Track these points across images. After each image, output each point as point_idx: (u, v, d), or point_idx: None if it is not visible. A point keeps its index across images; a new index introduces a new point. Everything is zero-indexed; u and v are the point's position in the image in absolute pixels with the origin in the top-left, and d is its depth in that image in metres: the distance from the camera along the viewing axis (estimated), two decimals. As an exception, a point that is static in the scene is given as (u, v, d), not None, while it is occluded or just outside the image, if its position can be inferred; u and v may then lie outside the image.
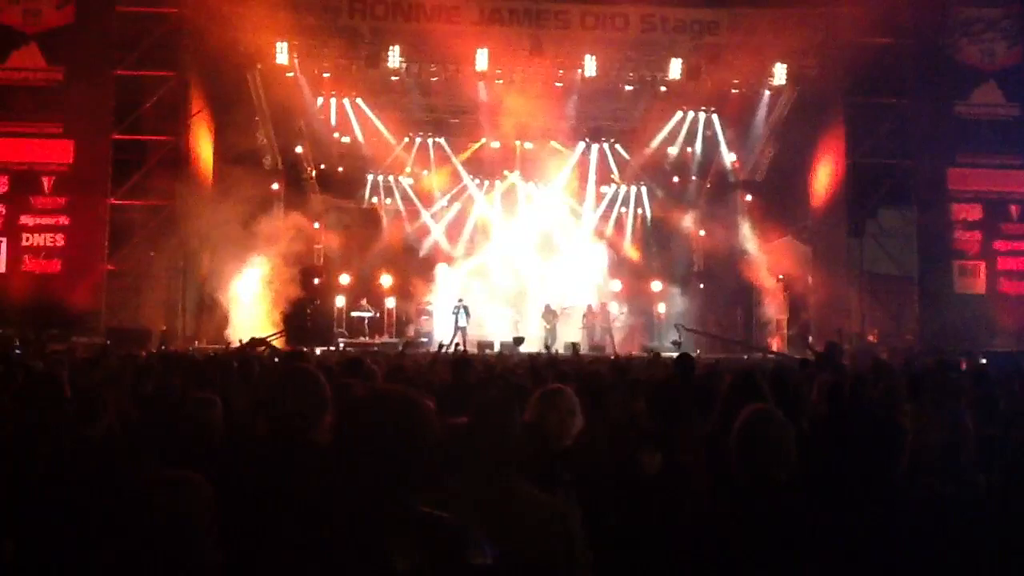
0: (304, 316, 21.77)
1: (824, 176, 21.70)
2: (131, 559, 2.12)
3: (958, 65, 20.99)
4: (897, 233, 20.90)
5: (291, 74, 20.10)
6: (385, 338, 22.53)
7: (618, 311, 23.67)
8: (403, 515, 2.09)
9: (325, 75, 20.62)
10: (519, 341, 20.95)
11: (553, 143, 23.39)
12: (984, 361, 14.49)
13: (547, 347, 19.81)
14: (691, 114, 22.66)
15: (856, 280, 20.54)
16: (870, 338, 19.73)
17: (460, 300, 22.06)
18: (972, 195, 21.54)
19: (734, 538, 2.94)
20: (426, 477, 2.16)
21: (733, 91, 21.60)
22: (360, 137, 22.82)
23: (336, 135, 22.94)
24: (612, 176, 24.42)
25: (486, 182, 24.55)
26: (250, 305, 20.79)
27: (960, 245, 21.56)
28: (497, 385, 5.87)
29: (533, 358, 11.84)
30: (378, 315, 23.51)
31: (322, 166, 23.52)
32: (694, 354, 9.82)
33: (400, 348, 16.80)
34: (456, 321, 21.30)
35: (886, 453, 4.06)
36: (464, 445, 2.83)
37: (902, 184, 20.61)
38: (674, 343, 20.02)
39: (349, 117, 22.18)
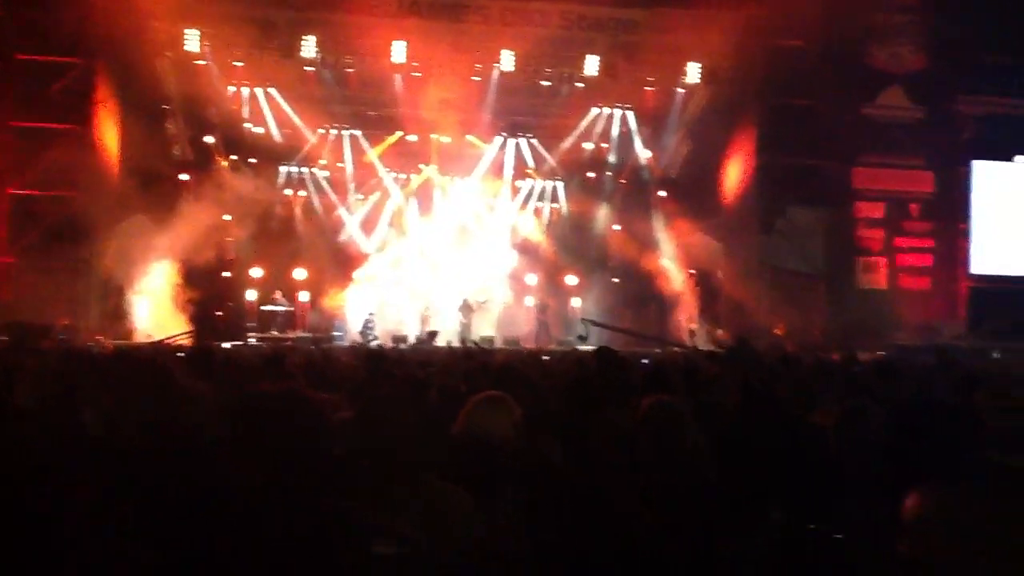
0: (213, 311, 21.27)
1: (736, 174, 22.22)
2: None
3: (866, 69, 21.73)
4: (805, 230, 21.57)
5: (202, 62, 19.58)
6: (299, 333, 22.16)
7: (533, 305, 23.78)
8: (304, 509, 2.06)
9: (237, 64, 20.15)
10: (433, 335, 20.91)
11: (470, 137, 23.34)
12: (882, 354, 15.03)
13: (463, 341, 19.83)
14: (607, 111, 22.91)
15: (765, 276, 21.08)
16: (777, 332, 20.27)
17: (371, 315, 21.95)
18: (876, 194, 22.36)
19: (643, 528, 2.96)
20: (323, 472, 2.14)
21: (649, 89, 21.93)
22: (273, 128, 22.38)
23: (248, 126, 22.44)
24: (528, 171, 24.49)
25: (402, 175, 24.34)
26: (157, 299, 20.22)
27: (864, 242, 22.36)
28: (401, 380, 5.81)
29: (454, 354, 11.81)
30: (291, 309, 23.12)
31: (234, 157, 22.97)
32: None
33: (314, 344, 16.59)
34: (365, 335, 21.20)
35: (792, 449, 4.17)
36: (363, 440, 2.79)
37: (810, 183, 21.26)
38: (579, 337, 20.22)
39: (262, 108, 21.74)
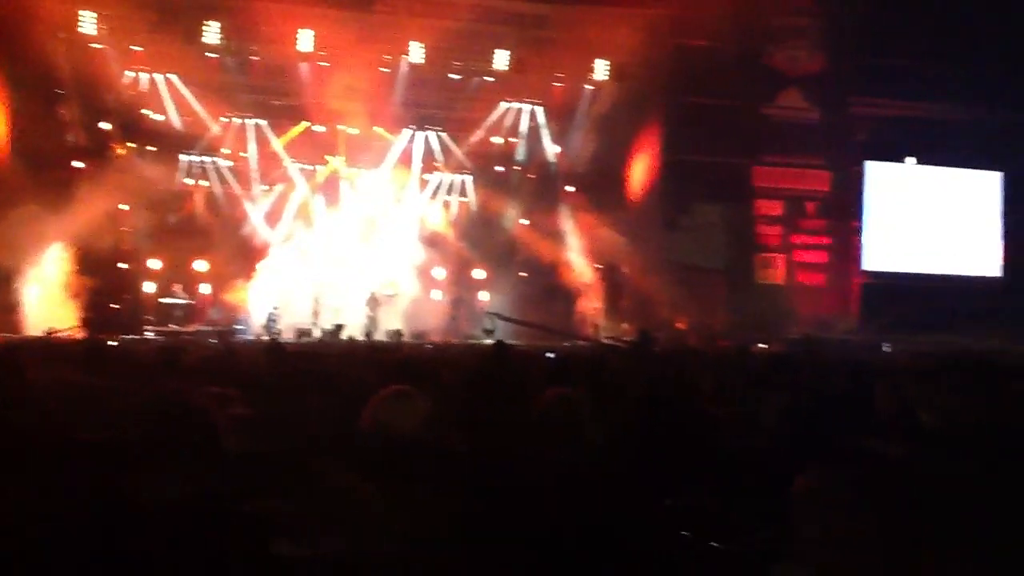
0: (109, 303, 20.55)
1: (641, 170, 22.60)
2: None
3: (766, 70, 22.37)
4: (707, 227, 22.11)
5: (99, 45, 18.85)
6: (199, 326, 21.58)
7: (441, 299, 23.71)
8: (199, 510, 2.00)
9: (136, 48, 19.47)
10: (340, 328, 20.65)
11: (378, 129, 23.08)
12: (765, 346, 15.48)
13: (369, 335, 19.65)
14: (516, 105, 22.97)
15: (669, 271, 21.50)
16: (680, 326, 20.71)
17: (275, 308, 21.53)
18: (775, 192, 23.07)
19: (543, 519, 2.97)
20: (218, 472, 2.09)
21: (557, 84, 22.09)
22: (174, 116, 21.70)
23: (148, 112, 21.71)
24: (437, 164, 24.37)
25: (308, 166, 23.90)
26: (50, 291, 19.44)
27: (763, 239, 23.04)
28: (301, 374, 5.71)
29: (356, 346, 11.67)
30: (192, 302, 22.49)
31: (132, 144, 22.20)
32: (511, 342, 9.97)
33: (215, 338, 16.19)
34: (268, 328, 20.78)
35: (690, 439, 4.25)
36: (263, 436, 2.73)
37: (713, 180, 21.80)
38: (485, 331, 20.28)
39: (162, 94, 21.06)
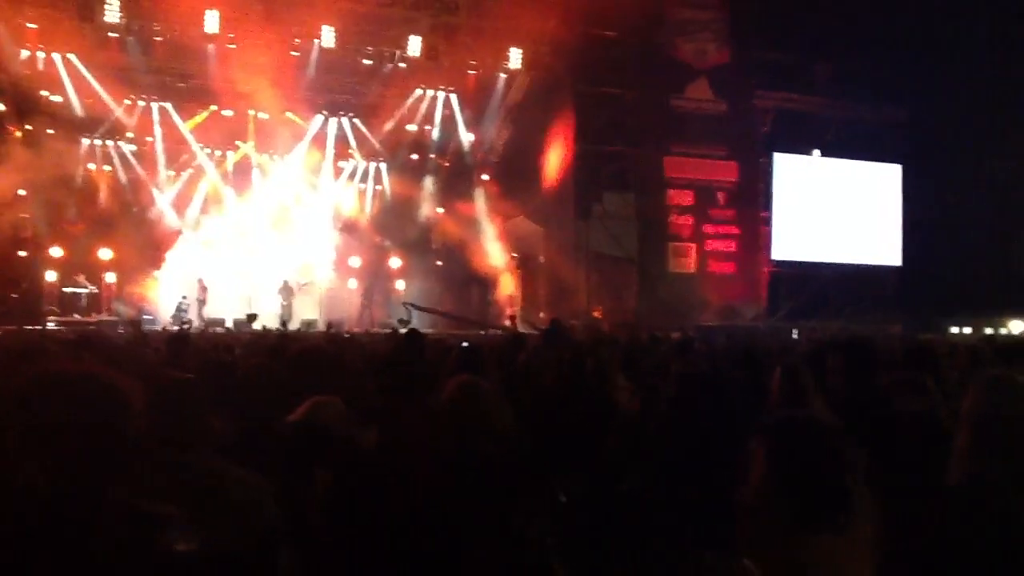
0: (7, 292, 19.73)
1: (555, 159, 22.72)
2: None
3: (674, 62, 22.71)
4: (620, 216, 22.36)
5: (-10, 22, 18.02)
6: (103, 316, 20.88)
7: (356, 287, 23.45)
8: (103, 505, 1.93)
9: (30, 25, 18.64)
10: (252, 318, 20.22)
11: (289, 114, 22.64)
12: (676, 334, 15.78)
13: (283, 323, 19.30)
14: (430, 92, 22.82)
15: (583, 260, 21.69)
16: (595, 314, 20.93)
17: (184, 298, 20.99)
18: (685, 182, 23.45)
19: (448, 513, 2.96)
20: (122, 464, 2.01)
21: (471, 72, 22.03)
22: (73, 97, 20.88)
23: (45, 93, 20.83)
24: (350, 151, 24.06)
25: (217, 152, 23.31)
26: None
27: (674, 228, 23.42)
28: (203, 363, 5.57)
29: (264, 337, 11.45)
30: (96, 291, 21.75)
31: (28, 127, 21.27)
32: (425, 331, 9.92)
33: (121, 328, 15.70)
34: (178, 318, 20.22)
35: (598, 425, 4.30)
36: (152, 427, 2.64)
37: (624, 170, 22.06)
38: (401, 321, 20.17)
39: (60, 74, 20.24)
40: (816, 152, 24.34)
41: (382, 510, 3.30)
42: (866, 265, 24.55)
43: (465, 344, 8.12)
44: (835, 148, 24.17)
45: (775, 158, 23.96)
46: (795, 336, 17.53)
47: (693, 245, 23.70)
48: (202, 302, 21.24)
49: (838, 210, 24.35)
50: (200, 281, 21.45)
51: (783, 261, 23.95)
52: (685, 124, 22.80)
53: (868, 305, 21.86)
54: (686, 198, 23.59)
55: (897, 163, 25.02)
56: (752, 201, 24.18)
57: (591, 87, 21.17)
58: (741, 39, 22.79)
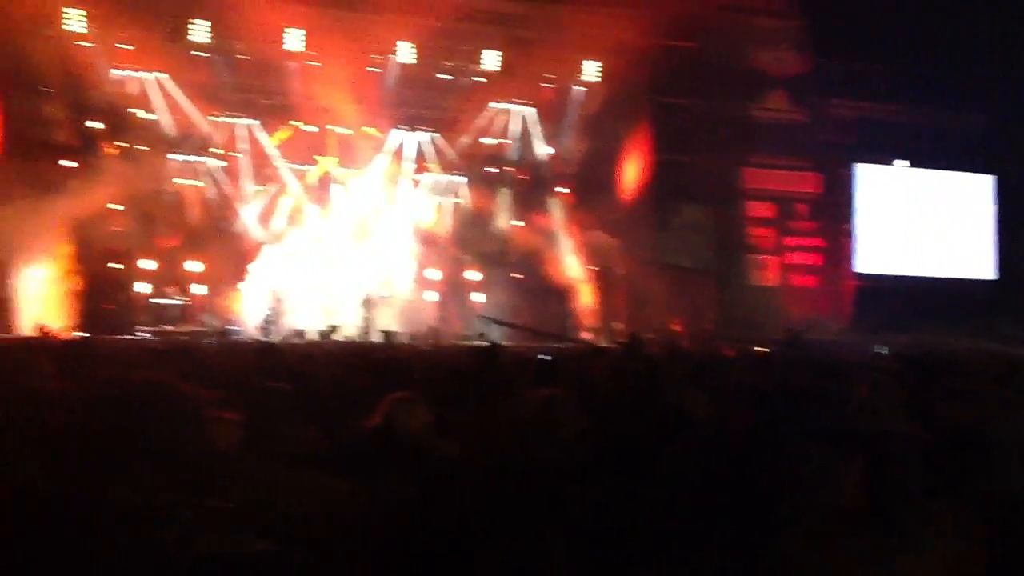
0: (101, 304, 20.51)
1: (632, 171, 22.63)
2: None
3: (752, 71, 22.42)
4: (697, 228, 22.14)
5: (86, 44, 18.79)
6: (192, 327, 21.53)
7: (435, 300, 23.69)
8: (173, 504, 1.99)
9: (124, 47, 19.40)
10: (333, 329, 20.63)
11: (368, 129, 23.05)
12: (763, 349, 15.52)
13: (364, 336, 19.62)
14: (507, 106, 22.98)
15: (661, 272, 21.53)
16: (673, 327, 20.74)
17: (269, 309, 21.48)
18: (765, 194, 23.12)
19: (526, 520, 2.98)
20: (192, 465, 2.07)
21: (547, 85, 22.12)
22: (163, 114, 21.65)
23: (137, 111, 21.65)
24: (428, 165, 24.35)
25: (299, 167, 23.87)
26: (41, 291, 19.39)
27: (754, 240, 23.07)
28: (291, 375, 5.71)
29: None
30: (185, 303, 22.44)
31: (122, 144, 22.13)
32: (504, 344, 9.97)
33: (209, 339, 16.17)
34: (264, 330, 20.72)
35: (667, 437, 4.26)
36: (244, 437, 2.73)
37: (703, 181, 21.83)
38: (479, 335, 20.27)
39: (151, 93, 21.01)
40: (902, 163, 23.74)
41: (460, 520, 3.33)
42: (956, 278, 23.82)
43: (543, 357, 8.15)
44: (919, 157, 23.55)
45: (857, 169, 23.45)
46: (880, 350, 17.08)
47: (773, 258, 23.33)
48: (278, 314, 21.69)
49: (926, 221, 23.69)
50: (275, 294, 21.92)
51: (868, 274, 23.39)
52: (764, 135, 22.48)
53: (958, 318, 21.18)
54: (766, 210, 23.25)
55: (986, 172, 24.24)
56: (835, 213, 23.70)
57: (668, 98, 21.06)
58: (820, 47, 22.39)
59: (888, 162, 23.62)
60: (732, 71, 21.73)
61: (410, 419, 3.98)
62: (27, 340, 14.04)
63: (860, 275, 23.46)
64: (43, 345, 9.97)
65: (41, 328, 14.95)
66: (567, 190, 24.34)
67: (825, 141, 23.03)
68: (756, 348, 14.40)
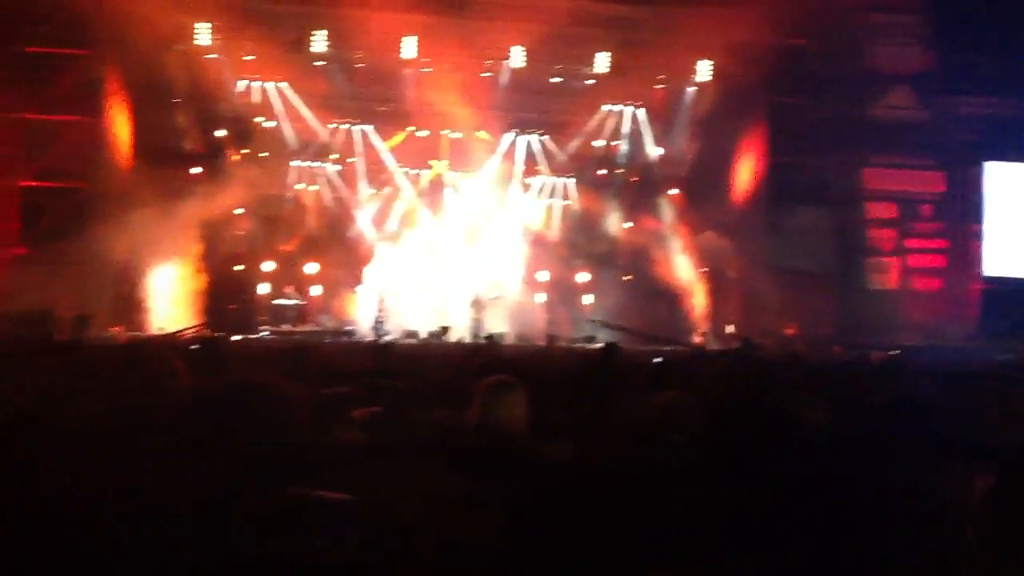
0: (226, 304, 21.37)
1: (746, 172, 22.19)
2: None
3: (873, 69, 21.65)
4: (815, 230, 21.52)
5: (212, 56, 19.64)
6: (310, 326, 22.23)
7: (544, 302, 23.77)
8: (275, 498, 2.08)
9: (247, 58, 20.20)
10: (445, 330, 20.93)
11: (480, 133, 23.34)
12: (896, 352, 14.97)
13: (474, 337, 19.84)
14: (617, 108, 22.90)
15: (775, 275, 21.04)
16: (788, 331, 20.24)
17: (382, 310, 21.93)
18: (886, 194, 22.30)
19: (645, 523, 2.98)
20: (290, 460, 2.17)
21: (659, 86, 21.92)
22: (284, 122, 22.43)
23: (259, 119, 22.51)
24: (539, 167, 24.48)
25: (413, 171, 24.36)
26: (170, 292, 20.33)
27: (875, 243, 22.29)
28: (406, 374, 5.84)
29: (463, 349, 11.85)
30: (303, 303, 23.19)
31: (245, 151, 23.04)
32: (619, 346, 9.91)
33: (326, 338, 16.65)
34: (376, 330, 21.15)
35: (789, 444, 4.17)
36: (377, 431, 2.82)
37: (820, 182, 21.22)
38: (587, 338, 20.24)
39: (273, 102, 21.80)
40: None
41: (573, 525, 3.35)
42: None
43: (657, 360, 8.10)
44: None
45: (986, 167, 22.38)
46: (1010, 358, 16.23)
47: (895, 260, 22.49)
48: (390, 315, 22.07)
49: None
50: (387, 295, 22.35)
51: (997, 277, 22.30)
52: (885, 133, 21.67)
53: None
54: (887, 211, 22.42)
55: None
56: (961, 213, 22.67)
57: (784, 97, 20.55)
58: (944, 42, 21.46)
59: (1020, 160, 22.45)
60: (851, 68, 21.06)
61: (507, 405, 3.97)
62: (159, 339, 14.74)
63: (988, 278, 22.37)
64: (174, 345, 10.46)
65: (179, 329, 15.65)
66: (678, 191, 24.08)
67: (951, 139, 22.04)
68: (875, 354, 13.95)
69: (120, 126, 19.69)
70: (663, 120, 23.22)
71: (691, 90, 21.85)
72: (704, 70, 20.87)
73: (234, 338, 16.25)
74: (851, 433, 4.13)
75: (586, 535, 3.20)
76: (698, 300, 23.17)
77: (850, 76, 21.02)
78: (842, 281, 21.66)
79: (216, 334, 14.78)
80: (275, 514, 2.08)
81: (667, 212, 24.15)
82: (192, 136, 21.96)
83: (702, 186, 23.17)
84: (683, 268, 23.31)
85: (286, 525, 2.07)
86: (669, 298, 23.75)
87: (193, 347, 8.06)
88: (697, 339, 21.44)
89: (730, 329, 21.16)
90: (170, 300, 20.26)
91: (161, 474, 2.26)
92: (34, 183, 17.92)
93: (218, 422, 2.23)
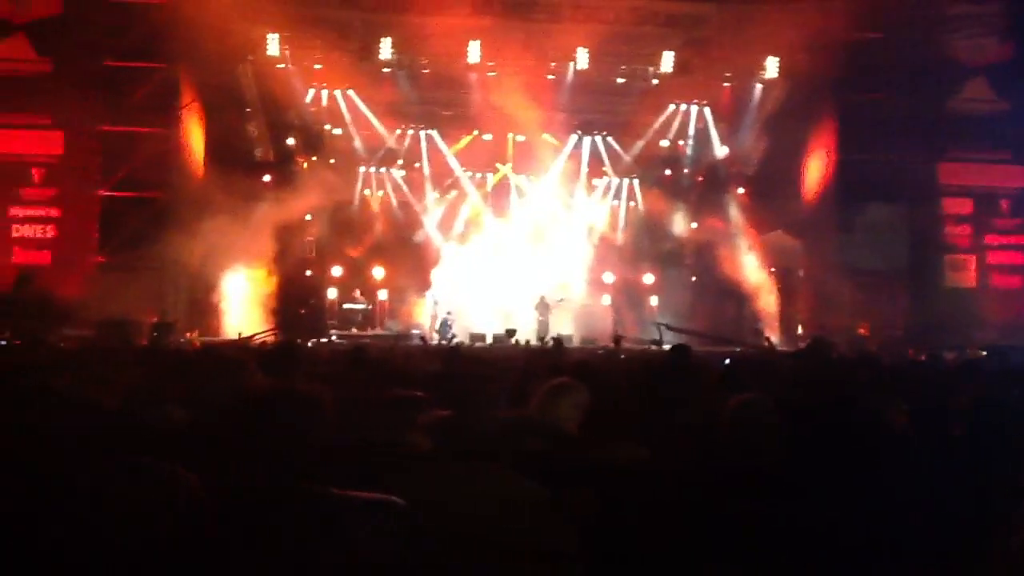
0: (296, 309, 21.75)
1: (815, 170, 21.78)
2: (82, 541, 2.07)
3: (948, 60, 21.04)
4: (887, 227, 20.99)
5: (282, 65, 20.02)
6: (377, 330, 22.50)
7: (610, 303, 23.69)
8: (317, 500, 2.12)
9: (316, 67, 20.54)
10: (511, 333, 20.95)
11: (545, 136, 23.37)
12: (984, 353, 14.51)
13: (540, 339, 19.83)
14: (683, 107, 22.71)
15: (846, 274, 20.61)
16: (860, 331, 19.81)
17: (449, 313, 22.04)
18: (963, 190, 21.64)
19: (720, 528, 2.95)
20: (318, 465, 2.22)
21: (725, 84, 21.66)
22: (352, 129, 22.77)
23: (328, 127, 22.88)
24: (604, 169, 24.42)
25: (478, 174, 24.51)
26: (242, 297, 20.77)
27: (951, 239, 21.67)
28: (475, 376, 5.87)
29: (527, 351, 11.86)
30: (370, 307, 23.48)
31: (314, 158, 23.44)
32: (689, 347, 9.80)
33: (393, 342, 16.80)
34: (443, 333, 21.27)
35: (869, 449, 4.09)
36: (445, 435, 2.85)
37: (892, 178, 20.67)
38: (654, 343, 20.08)
39: (341, 109, 22.13)
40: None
41: (649, 528, 3.33)
42: None
43: (728, 361, 8.01)
44: None
45: (1067, 159, 21.58)
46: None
47: (972, 257, 21.82)
48: (457, 318, 22.15)
49: None
50: (453, 298, 22.47)
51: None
52: (962, 127, 21.02)
53: None
54: (964, 206, 21.75)
55: None
56: (1045, 209, 21.89)
57: (854, 92, 20.07)
58: (1022, 32, 20.76)
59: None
60: (926, 61, 20.50)
61: (563, 406, 3.98)
62: (232, 344, 15.06)
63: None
64: (249, 349, 10.68)
65: (242, 334, 15.97)
66: (745, 190, 23.77)
67: (1028, 131, 21.31)
68: (949, 354, 13.58)
69: (194, 136, 20.18)
70: (730, 118, 22.97)
71: (758, 87, 21.52)
72: (772, 66, 20.53)
73: (303, 342, 16.48)
74: (933, 437, 4.03)
75: (663, 539, 3.18)
76: (766, 300, 22.84)
77: (925, 69, 20.46)
78: (916, 279, 21.09)
79: (288, 339, 15.03)
80: (317, 515, 2.12)
81: (734, 212, 23.87)
82: (263, 144, 22.44)
83: (770, 184, 22.82)
84: (751, 268, 23.00)
85: (327, 526, 2.12)
86: (737, 299, 23.46)
87: (267, 351, 8.22)
88: (765, 340, 21.13)
89: (799, 329, 20.79)
90: (242, 305, 20.68)
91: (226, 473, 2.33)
92: (113, 193, 18.45)
93: (269, 425, 2.30)
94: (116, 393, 4.00)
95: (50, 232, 18.35)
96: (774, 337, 20.50)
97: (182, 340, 16.99)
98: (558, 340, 18.24)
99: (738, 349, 17.05)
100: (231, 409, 2.60)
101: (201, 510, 2.08)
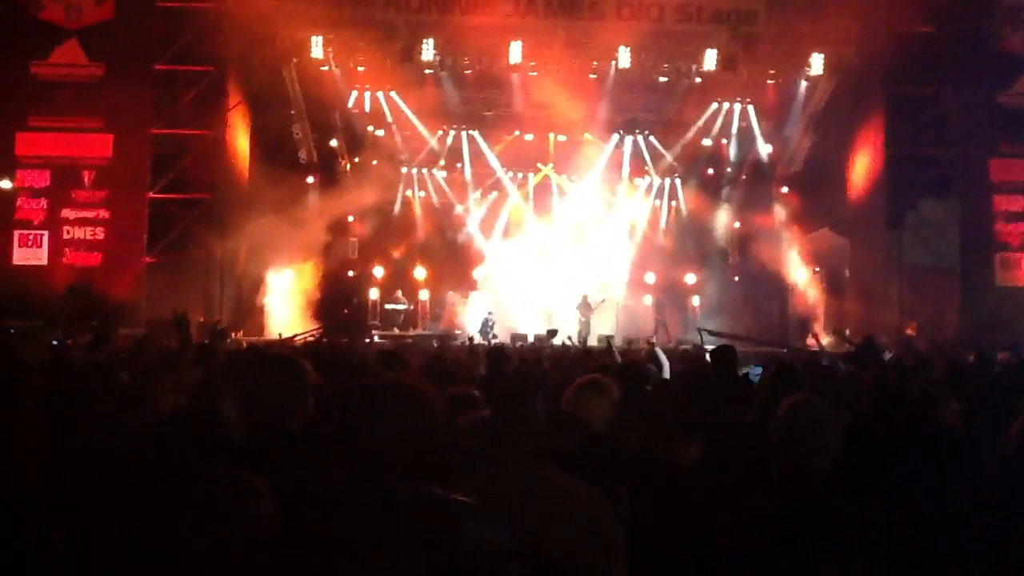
0: (340, 309, 21.94)
1: (863, 167, 21.45)
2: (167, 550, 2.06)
3: (1001, 54, 20.58)
4: (937, 224, 20.59)
5: (326, 68, 20.20)
6: (419, 331, 22.61)
7: (652, 304, 23.55)
8: (409, 497, 2.11)
9: (359, 68, 20.69)
10: (553, 333, 20.82)
11: (587, 135, 23.31)
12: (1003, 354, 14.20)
13: (582, 340, 19.77)
14: (726, 105, 22.48)
15: (895, 272, 20.27)
16: (908, 331, 19.47)
17: (490, 313, 22.05)
18: (1017, 186, 21.15)
19: (773, 532, 2.93)
20: (433, 461, 2.20)
21: (769, 82, 21.42)
22: (394, 130, 22.91)
23: (370, 128, 23.04)
24: (646, 168, 24.29)
25: (520, 174, 24.52)
26: (287, 297, 20.99)
27: (1003, 237, 21.18)
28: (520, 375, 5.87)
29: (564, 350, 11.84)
30: (412, 308, 23.60)
31: (356, 159, 23.64)
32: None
33: (435, 342, 16.85)
34: (484, 333, 21.28)
35: (929, 450, 4.03)
36: (487, 434, 2.86)
37: (943, 175, 20.29)
38: (694, 346, 19.86)
39: (383, 110, 22.26)
40: None
41: (702, 530, 3.30)
42: None
43: (775, 363, 7.90)
44: None
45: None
46: None
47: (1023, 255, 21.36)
48: (499, 317, 22.16)
49: None
50: (496, 297, 22.46)
51: None
52: (1015, 122, 20.58)
53: None
54: (1015, 203, 21.30)
55: None
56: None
57: (903, 87, 19.72)
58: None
59: None
60: (977, 55, 20.09)
61: (591, 405, 3.96)
62: (280, 344, 15.20)
63: None
64: (298, 348, 10.79)
65: (282, 335, 16.11)
66: (789, 189, 23.50)
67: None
68: (1003, 354, 13.29)
69: (240, 138, 20.45)
70: (774, 116, 22.69)
71: (804, 84, 21.23)
72: (817, 63, 20.24)
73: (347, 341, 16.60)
74: (988, 438, 3.96)
75: (716, 541, 3.16)
76: (812, 300, 22.57)
77: (976, 62, 20.05)
78: (967, 278, 20.68)
79: (332, 339, 15.15)
80: (387, 508, 2.11)
81: (778, 210, 23.62)
82: (307, 145, 22.66)
83: (815, 182, 22.52)
84: (796, 267, 22.74)
85: (396, 520, 2.10)
86: (780, 298, 23.22)
87: (319, 351, 8.31)
88: (811, 340, 20.86)
89: (846, 329, 20.49)
90: (285, 305, 20.91)
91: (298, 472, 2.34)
92: (161, 195, 18.76)
93: (362, 421, 2.30)
94: (176, 392, 4.06)
95: (100, 234, 18.67)
96: (824, 338, 20.24)
97: (231, 340, 17.20)
98: (609, 341, 18.19)
99: (784, 351, 16.86)
100: (340, 404, 2.60)
101: (276, 517, 2.04)
